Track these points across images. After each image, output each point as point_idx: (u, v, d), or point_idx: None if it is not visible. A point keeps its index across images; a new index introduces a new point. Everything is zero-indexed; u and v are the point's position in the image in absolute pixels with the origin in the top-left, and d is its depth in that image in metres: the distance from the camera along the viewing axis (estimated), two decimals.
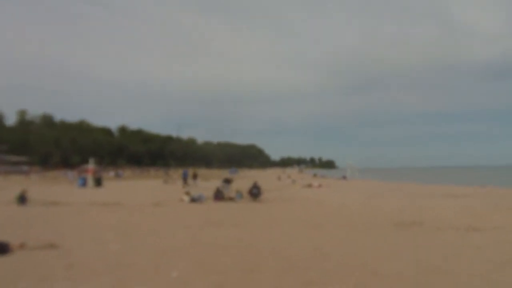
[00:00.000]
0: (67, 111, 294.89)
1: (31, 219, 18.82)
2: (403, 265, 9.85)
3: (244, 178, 76.84)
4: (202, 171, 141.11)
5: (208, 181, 65.66)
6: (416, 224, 17.02)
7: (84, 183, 48.38)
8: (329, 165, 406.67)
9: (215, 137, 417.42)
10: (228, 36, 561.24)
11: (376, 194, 36.85)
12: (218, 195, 29.12)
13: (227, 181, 32.47)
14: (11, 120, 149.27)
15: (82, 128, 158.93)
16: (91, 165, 55.51)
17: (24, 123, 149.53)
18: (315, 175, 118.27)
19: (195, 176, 55.98)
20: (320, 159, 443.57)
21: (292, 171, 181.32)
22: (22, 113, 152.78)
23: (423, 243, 12.92)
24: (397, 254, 11.23)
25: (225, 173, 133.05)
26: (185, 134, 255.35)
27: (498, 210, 22.29)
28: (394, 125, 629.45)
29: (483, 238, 13.87)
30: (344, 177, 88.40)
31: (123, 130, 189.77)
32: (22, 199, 25.08)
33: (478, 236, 14.15)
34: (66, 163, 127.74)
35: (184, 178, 54.12)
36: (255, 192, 29.40)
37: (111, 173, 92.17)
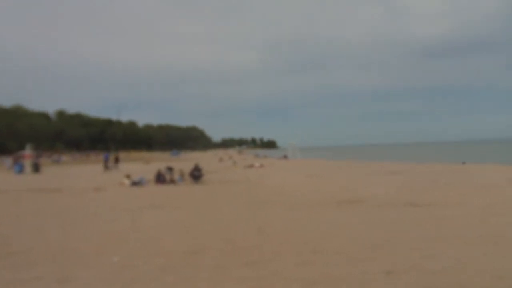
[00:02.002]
0: (1, 96, 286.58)
1: None
2: (344, 242, 10.06)
3: (186, 161, 76.57)
4: (143, 154, 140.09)
5: (149, 164, 65.22)
6: (358, 202, 17.42)
7: (21, 170, 47.27)
8: (270, 145, 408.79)
9: (156, 120, 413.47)
10: (171, 15, 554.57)
11: (318, 173, 37.40)
12: (160, 178, 28.99)
13: (170, 169, 32.34)
14: None
15: (18, 113, 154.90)
16: (28, 151, 54.33)
17: None
18: (256, 156, 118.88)
19: (117, 160, 56.11)
20: (261, 140, 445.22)
21: (234, 152, 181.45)
22: None
23: (364, 220, 13.23)
24: (338, 232, 11.47)
25: (167, 156, 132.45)
26: (125, 118, 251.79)
27: (436, 187, 22.94)
28: (338, 105, 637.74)
29: (421, 213, 14.29)
30: (285, 157, 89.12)
31: (61, 114, 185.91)
32: None
33: (416, 212, 14.57)
34: (2, 150, 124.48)
35: (105, 161, 54.16)
36: (196, 174, 29.41)
37: (50, 159, 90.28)
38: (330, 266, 8.15)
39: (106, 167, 51.95)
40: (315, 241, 10.26)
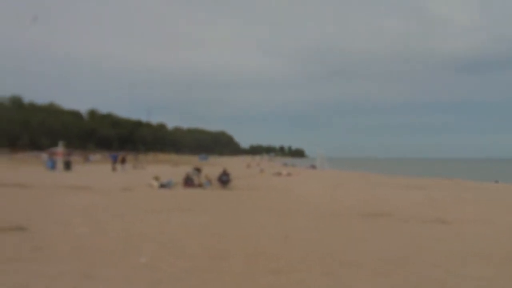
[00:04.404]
0: (37, 93, 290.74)
1: None
2: (369, 255, 9.98)
3: (213, 165, 76.73)
4: (171, 157, 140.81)
5: (177, 167, 65.56)
6: (383, 215, 17.23)
7: (53, 166, 47.88)
8: (298, 154, 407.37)
9: (186, 123, 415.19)
10: (202, 20, 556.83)
11: (345, 184, 37.20)
12: (188, 182, 29.13)
13: (197, 170, 32.47)
14: None
15: (51, 110, 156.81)
16: (60, 148, 54.95)
17: None
18: (284, 164, 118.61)
19: (123, 161, 56.21)
20: (289, 148, 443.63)
21: (262, 159, 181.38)
22: None
23: (389, 234, 13.12)
24: (363, 244, 11.38)
25: (195, 160, 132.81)
26: (155, 119, 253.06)
27: (464, 203, 22.70)
28: (366, 115, 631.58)
29: (447, 229, 14.13)
30: (313, 167, 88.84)
31: (92, 113, 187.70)
32: None
33: (443, 229, 14.41)
34: (35, 146, 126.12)
35: (113, 162, 54.80)
36: (224, 179, 29.46)
37: (81, 157, 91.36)
38: (355, 278, 8.11)
39: (114, 168, 52.49)
40: (340, 252, 10.22)
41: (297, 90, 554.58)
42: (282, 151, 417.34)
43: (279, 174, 53.78)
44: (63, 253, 9.29)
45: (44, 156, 65.53)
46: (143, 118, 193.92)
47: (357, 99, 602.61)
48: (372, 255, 10.01)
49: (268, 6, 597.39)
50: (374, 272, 8.56)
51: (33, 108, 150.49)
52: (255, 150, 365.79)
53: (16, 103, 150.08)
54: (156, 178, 29.09)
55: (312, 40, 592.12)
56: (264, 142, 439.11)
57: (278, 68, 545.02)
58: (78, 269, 8.04)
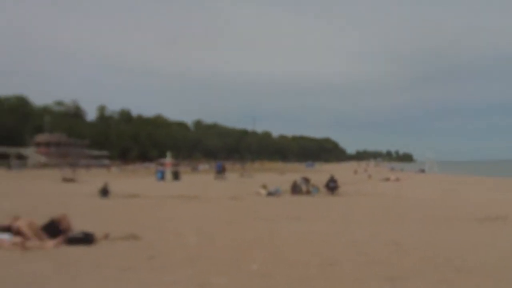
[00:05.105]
0: (144, 107, 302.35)
1: (113, 211, 19.39)
2: (489, 262, 9.48)
3: (320, 172, 76.56)
4: (278, 165, 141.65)
5: (284, 175, 65.82)
6: (499, 219, 16.46)
7: (162, 176, 49.27)
8: (406, 158, 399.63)
9: (290, 131, 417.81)
10: (304, 27, 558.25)
11: (456, 188, 36.02)
12: (295, 189, 29.07)
13: (306, 180, 32.31)
14: (91, 115, 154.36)
15: (158, 122, 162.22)
16: (168, 159, 56.57)
17: (104, 119, 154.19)
18: (392, 169, 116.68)
19: (223, 170, 57.19)
20: (397, 153, 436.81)
21: (369, 165, 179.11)
22: (101, 109, 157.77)
23: (508, 239, 12.49)
24: (481, 250, 10.88)
25: (302, 167, 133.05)
26: (260, 128, 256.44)
27: None
28: (474, 117, 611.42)
29: None
30: (423, 171, 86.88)
31: (198, 124, 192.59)
32: (104, 191, 25.75)
33: None
34: (144, 157, 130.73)
35: (218, 171, 56.07)
36: (332, 186, 29.19)
37: (188, 167, 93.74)
38: (474, 286, 7.70)
39: (218, 176, 53.29)
40: (457, 259, 9.75)
41: (403, 94, 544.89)
42: (389, 156, 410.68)
43: (387, 179, 52.98)
44: (176, 261, 9.40)
45: (157, 167, 67.75)
46: (248, 127, 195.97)
47: (465, 100, 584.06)
48: (491, 262, 9.51)
49: (361, 8, 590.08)
50: (498, 280, 8.11)
51: (141, 121, 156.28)
52: (361, 156, 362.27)
53: (126, 116, 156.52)
54: (264, 186, 29.23)
55: (411, 41, 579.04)
56: (370, 147, 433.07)
57: (381, 72, 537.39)
58: (191, 277, 8.10)
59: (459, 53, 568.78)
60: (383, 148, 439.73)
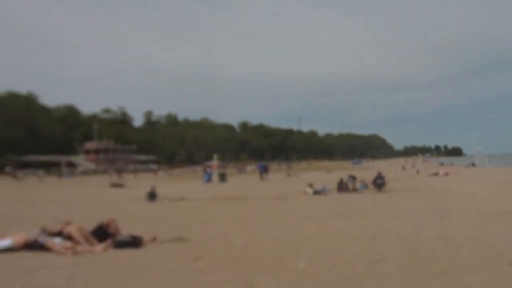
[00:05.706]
0: (190, 111, 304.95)
1: (160, 214, 19.60)
2: None
3: (367, 169, 76.01)
4: (324, 163, 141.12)
5: (330, 173, 65.60)
6: None
7: (209, 179, 49.62)
8: (455, 152, 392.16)
9: (336, 129, 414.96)
10: (342, 27, 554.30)
11: (507, 181, 35.21)
12: (342, 187, 28.94)
13: (352, 177, 32.13)
14: (138, 121, 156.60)
15: (204, 125, 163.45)
16: (215, 161, 56.93)
17: (151, 124, 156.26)
18: (441, 164, 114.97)
19: (266, 170, 57.36)
20: (445, 147, 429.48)
21: (417, 160, 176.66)
22: (148, 114, 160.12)
23: None
24: None
25: (348, 165, 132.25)
26: (305, 127, 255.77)
27: None
28: None
29: None
30: (473, 165, 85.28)
31: (244, 125, 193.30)
32: (152, 195, 26.09)
33: None
34: (191, 161, 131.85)
35: (261, 172, 56.06)
36: (379, 182, 28.98)
37: (235, 168, 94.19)
38: None
39: (262, 177, 53.35)
40: (509, 253, 9.52)
41: (451, 87, 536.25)
42: (437, 151, 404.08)
43: (436, 174, 52.23)
44: (223, 262, 9.43)
45: (204, 170, 68.28)
46: (294, 126, 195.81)
47: None
48: None
49: (406, 4, 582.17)
50: None
51: (188, 125, 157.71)
52: (409, 152, 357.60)
53: (172, 121, 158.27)
54: (310, 185, 29.15)
55: (456, 35, 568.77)
56: (418, 142, 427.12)
57: (426, 66, 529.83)
58: (238, 277, 8.11)
59: (508, 44, 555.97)
60: (431, 143, 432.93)
